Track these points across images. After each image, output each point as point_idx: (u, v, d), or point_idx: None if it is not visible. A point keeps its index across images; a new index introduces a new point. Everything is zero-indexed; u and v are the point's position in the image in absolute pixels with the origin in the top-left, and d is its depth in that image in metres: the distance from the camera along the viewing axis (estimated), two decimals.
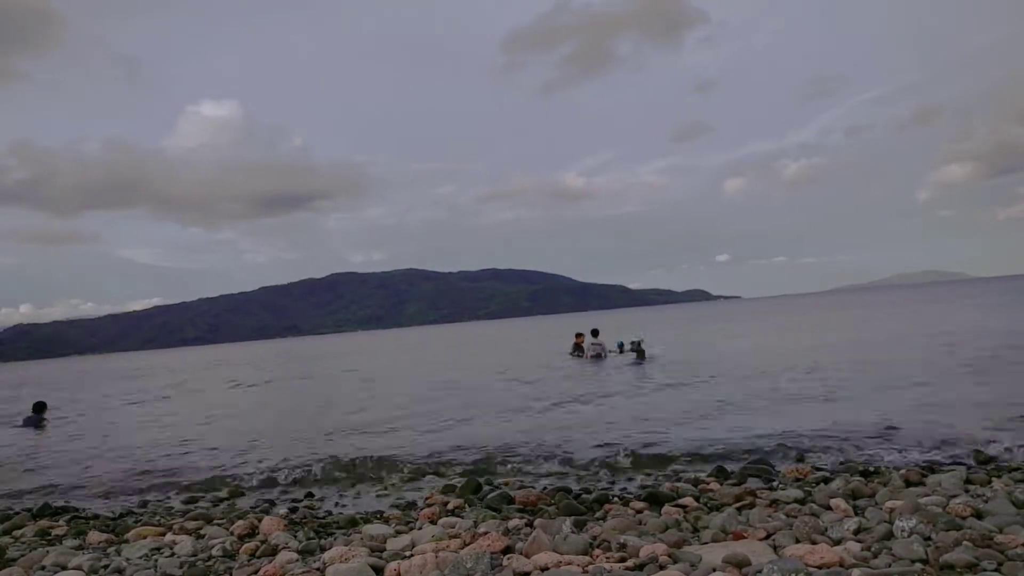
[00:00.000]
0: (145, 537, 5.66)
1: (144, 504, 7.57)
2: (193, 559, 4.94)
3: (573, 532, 4.64)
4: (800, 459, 7.21)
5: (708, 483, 6.34)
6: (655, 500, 5.72)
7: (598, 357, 20.42)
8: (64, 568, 4.88)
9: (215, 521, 6.20)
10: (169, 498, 7.80)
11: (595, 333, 21.71)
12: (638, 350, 19.67)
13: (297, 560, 4.59)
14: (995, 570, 3.50)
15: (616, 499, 6.01)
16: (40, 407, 15.82)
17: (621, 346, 20.64)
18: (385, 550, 4.71)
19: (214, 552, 5.04)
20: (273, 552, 4.93)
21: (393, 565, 4.22)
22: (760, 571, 3.56)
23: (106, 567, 4.84)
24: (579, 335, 22.14)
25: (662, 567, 3.84)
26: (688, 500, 5.57)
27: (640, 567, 3.89)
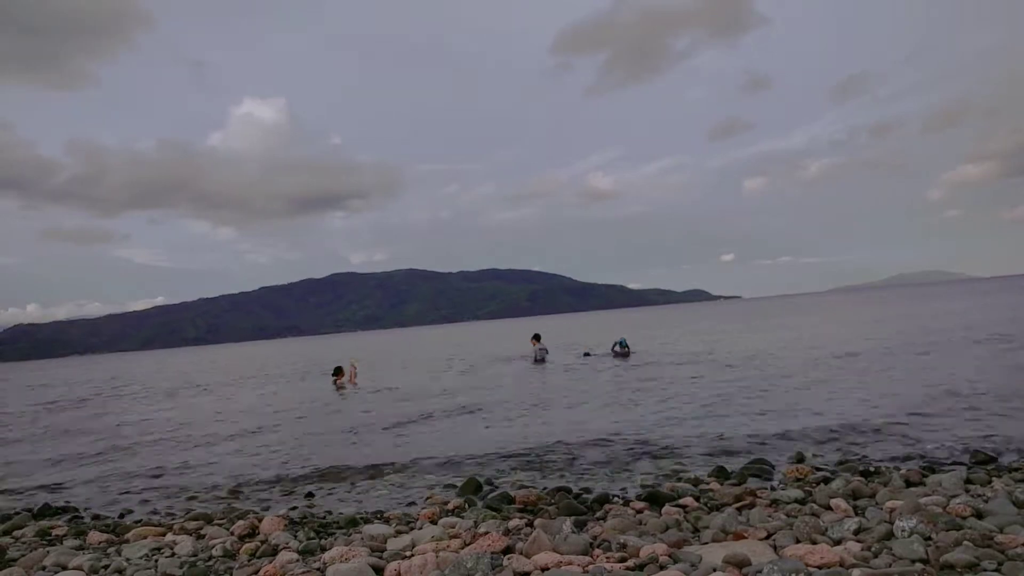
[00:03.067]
0: (145, 537, 5.67)
1: (144, 504, 7.58)
2: (193, 559, 4.94)
3: (573, 532, 4.64)
4: (800, 459, 7.21)
5: (708, 483, 6.35)
6: (655, 500, 5.73)
7: (542, 361, 22.00)
8: (64, 568, 4.89)
9: (215, 521, 6.21)
10: (169, 498, 7.80)
11: (537, 338, 23.07)
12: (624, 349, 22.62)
13: (297, 560, 4.59)
14: (995, 570, 3.50)
15: (616, 499, 6.02)
16: (338, 370, 19.50)
17: (623, 344, 22.60)
18: (385, 550, 4.72)
19: (214, 552, 5.05)
20: (273, 552, 4.94)
21: (393, 565, 4.22)
22: (760, 571, 3.56)
23: (106, 567, 4.84)
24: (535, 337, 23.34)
25: (662, 567, 3.85)
26: (688, 500, 5.58)
27: (640, 567, 3.90)
